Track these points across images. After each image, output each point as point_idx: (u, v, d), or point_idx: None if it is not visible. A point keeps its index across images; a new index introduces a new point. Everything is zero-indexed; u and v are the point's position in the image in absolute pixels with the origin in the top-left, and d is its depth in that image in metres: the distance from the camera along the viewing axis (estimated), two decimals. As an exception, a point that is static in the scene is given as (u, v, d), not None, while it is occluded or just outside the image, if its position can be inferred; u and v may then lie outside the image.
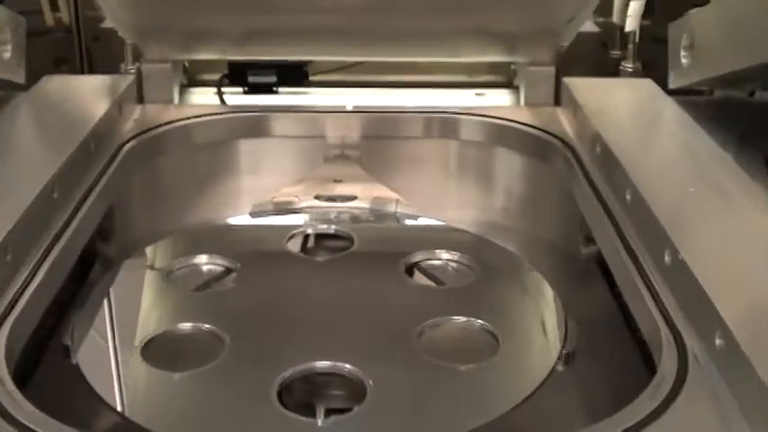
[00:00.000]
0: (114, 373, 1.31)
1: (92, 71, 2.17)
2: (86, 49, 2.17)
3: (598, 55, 2.20)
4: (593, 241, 1.59)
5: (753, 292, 1.09)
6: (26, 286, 1.23)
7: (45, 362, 1.33)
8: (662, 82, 1.91)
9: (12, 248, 1.23)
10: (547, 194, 1.81)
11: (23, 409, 1.01)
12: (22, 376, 1.18)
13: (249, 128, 1.91)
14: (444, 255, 1.60)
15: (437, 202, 1.87)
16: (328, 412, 1.23)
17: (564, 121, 1.84)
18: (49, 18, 2.16)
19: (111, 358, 1.34)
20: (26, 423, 0.98)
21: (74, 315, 1.41)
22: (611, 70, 2.09)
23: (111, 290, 1.52)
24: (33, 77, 1.86)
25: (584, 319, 1.41)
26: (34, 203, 1.32)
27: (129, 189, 1.76)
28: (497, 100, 2.08)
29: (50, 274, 1.29)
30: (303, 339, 1.34)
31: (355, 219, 1.73)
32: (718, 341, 1.03)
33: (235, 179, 1.91)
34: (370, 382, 1.22)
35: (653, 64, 2.02)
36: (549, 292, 1.49)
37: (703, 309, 1.08)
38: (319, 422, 1.19)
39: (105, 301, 1.48)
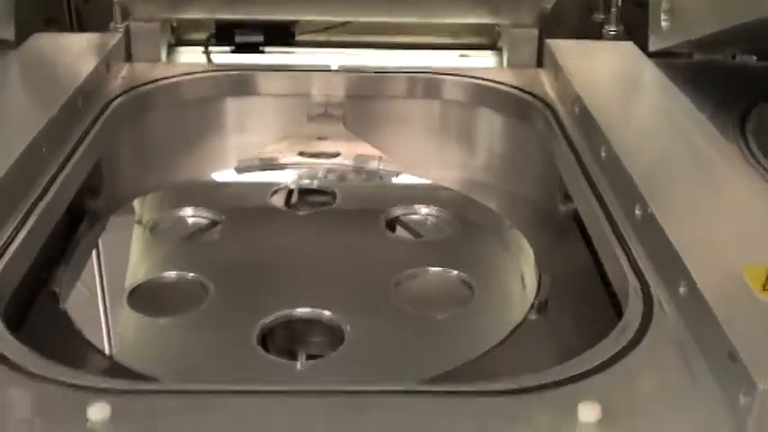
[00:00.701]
0: (102, 318, 1.35)
1: (81, 30, 2.18)
2: (76, 8, 2.18)
3: (582, 18, 2.21)
4: (571, 199, 1.62)
5: (717, 243, 1.13)
6: (15, 235, 1.26)
7: (35, 309, 1.36)
8: (644, 45, 1.94)
9: (1, 199, 1.26)
10: (528, 154, 1.84)
11: (13, 349, 1.03)
12: (15, 323, 1.21)
13: (235, 86, 1.93)
14: (424, 209, 1.64)
15: (420, 160, 1.90)
16: (309, 358, 1.28)
17: (545, 83, 1.87)
18: (38, -23, 2.17)
19: (98, 304, 1.39)
20: (17, 362, 1.00)
21: (62, 264, 1.44)
22: (595, 33, 2.11)
23: (98, 241, 1.55)
24: (24, 37, 1.88)
25: (560, 273, 1.45)
26: (23, 156, 1.35)
27: (116, 145, 1.78)
28: (481, 61, 2.10)
29: (38, 224, 1.32)
30: (284, 288, 1.38)
31: (338, 175, 1.76)
32: (681, 289, 1.07)
33: (221, 136, 1.94)
34: (348, 327, 1.26)
35: (636, 27, 2.04)
36: (524, 246, 1.53)
37: (669, 259, 1.12)
38: (298, 365, 1.24)
39: (93, 252, 1.52)
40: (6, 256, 1.21)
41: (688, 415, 0.93)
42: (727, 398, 0.93)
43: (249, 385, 0.97)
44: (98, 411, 0.90)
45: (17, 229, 1.27)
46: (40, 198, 1.36)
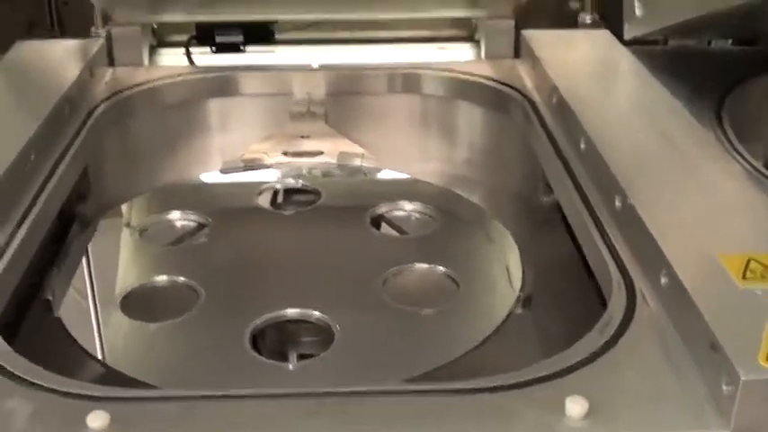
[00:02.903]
0: (95, 324, 1.37)
1: (63, 35, 2.19)
2: (57, 12, 2.19)
3: (558, 7, 2.23)
4: (551, 191, 1.65)
5: (696, 233, 1.15)
6: (7, 245, 1.27)
7: (29, 318, 1.37)
8: (620, 32, 1.96)
9: (-8, 210, 1.28)
10: (508, 146, 1.86)
11: (10, 359, 1.05)
12: (9, 332, 1.22)
13: (217, 87, 1.94)
14: (408, 206, 1.66)
15: (402, 155, 1.92)
16: (300, 358, 1.30)
17: (523, 74, 1.88)
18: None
19: (91, 311, 1.41)
20: (15, 372, 1.02)
21: (54, 272, 1.46)
22: (572, 22, 2.13)
23: (88, 247, 1.57)
24: (6, 42, 1.90)
25: (543, 266, 1.48)
26: (13, 166, 1.36)
27: (102, 150, 1.79)
28: (459, 54, 2.12)
29: (31, 232, 1.33)
30: (274, 289, 1.40)
31: (322, 173, 1.78)
32: (663, 280, 1.09)
33: (205, 138, 1.95)
34: (338, 326, 1.29)
35: (611, 15, 2.06)
36: (508, 240, 1.55)
37: (650, 250, 1.14)
38: (290, 366, 1.26)
39: (84, 258, 1.54)
40: (0, 266, 1.23)
41: (673, 406, 0.95)
42: (711, 388, 0.95)
43: (242, 388, 0.99)
44: (97, 419, 0.92)
45: (10, 238, 1.28)
46: (30, 206, 1.38)
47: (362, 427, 0.94)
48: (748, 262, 1.07)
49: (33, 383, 1.00)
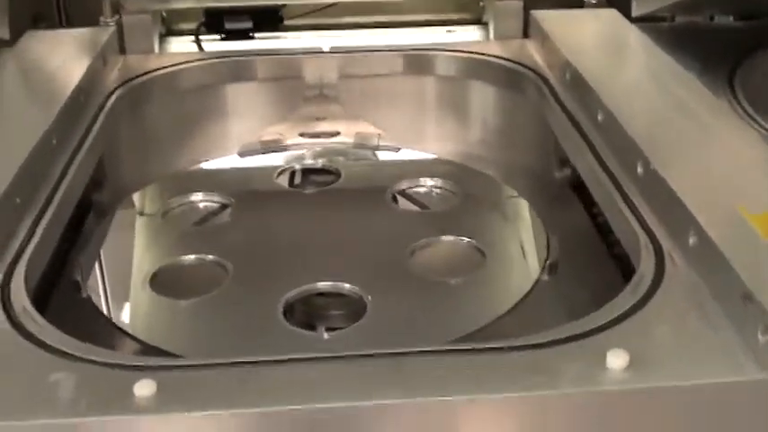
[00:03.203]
0: (125, 303, 1.38)
1: (70, 25, 2.20)
2: (63, 3, 2.20)
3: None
4: (567, 165, 1.66)
5: (719, 193, 1.17)
6: (35, 227, 1.28)
7: (59, 299, 1.38)
8: (625, 12, 1.98)
9: (20, 192, 1.28)
10: (522, 123, 1.87)
11: (50, 334, 1.05)
12: (42, 312, 1.23)
13: (230, 72, 1.95)
14: (428, 182, 1.68)
15: (416, 136, 1.94)
16: (332, 330, 1.32)
17: (533, 53, 1.90)
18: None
19: (120, 290, 1.41)
20: (56, 347, 1.02)
21: (80, 254, 1.47)
22: (578, 3, 2.15)
23: (112, 230, 1.58)
24: (14, 34, 1.90)
25: (564, 236, 1.49)
26: (36, 150, 1.37)
27: (120, 137, 1.80)
28: (468, 36, 2.14)
29: (56, 216, 1.34)
30: (303, 264, 1.41)
31: (340, 153, 1.79)
32: (691, 239, 1.11)
33: (219, 122, 1.96)
34: (369, 298, 1.30)
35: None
36: (529, 212, 1.57)
37: (676, 211, 1.15)
38: (325, 335, 1.27)
39: (108, 240, 1.55)
40: (30, 248, 1.23)
41: (710, 356, 0.96)
42: (746, 338, 0.96)
43: (289, 354, 0.99)
44: (144, 387, 0.92)
45: (36, 222, 1.29)
46: (54, 190, 1.38)
47: (409, 385, 0.94)
48: (774, 218, 1.09)
49: (74, 356, 1.00)
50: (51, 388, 0.95)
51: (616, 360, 0.94)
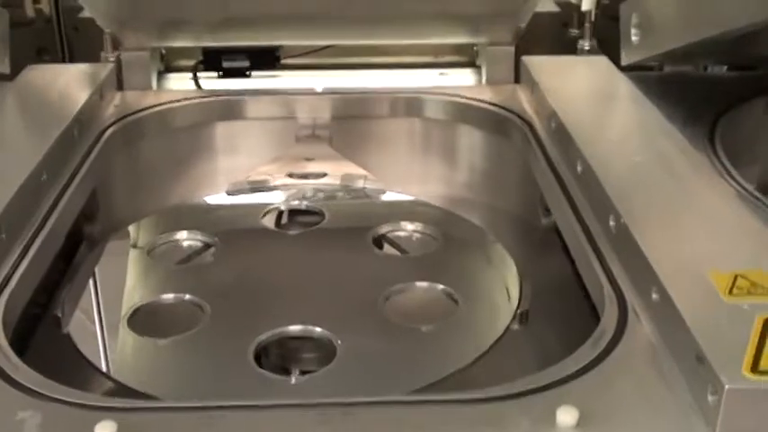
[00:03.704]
0: (102, 340, 1.41)
1: (72, 60, 2.24)
2: (66, 38, 2.24)
3: (558, 34, 2.26)
4: (550, 212, 1.68)
5: (687, 252, 1.18)
6: (19, 262, 1.31)
7: (38, 334, 1.41)
8: (618, 59, 2.00)
9: (5, 227, 1.31)
10: (508, 169, 1.89)
11: (20, 372, 1.08)
12: (20, 347, 1.24)
13: (224, 111, 1.99)
14: (409, 226, 1.70)
15: (404, 177, 1.96)
16: (303, 373, 1.33)
17: (523, 99, 1.92)
18: (29, 9, 2.23)
19: (98, 328, 1.44)
20: (25, 383, 1.05)
21: (63, 289, 1.50)
22: (571, 49, 2.17)
23: (97, 266, 1.61)
24: (16, 67, 1.94)
25: (541, 284, 1.51)
26: (24, 185, 1.40)
27: (111, 172, 1.83)
28: (461, 79, 2.16)
29: (41, 250, 1.37)
30: (277, 307, 1.43)
31: (326, 195, 1.81)
32: (653, 296, 1.13)
33: (211, 160, 1.99)
34: (339, 342, 1.32)
35: (611, 41, 2.09)
36: (506, 259, 1.58)
37: (641, 267, 1.17)
38: (293, 380, 1.29)
39: (92, 276, 1.57)
40: (12, 283, 1.26)
41: (661, 416, 0.98)
42: (697, 398, 0.98)
43: (246, 400, 1.02)
44: (105, 429, 0.94)
45: (21, 257, 1.32)
46: (41, 225, 1.41)
47: (363, 436, 0.97)
48: (735, 278, 1.10)
49: (42, 395, 1.03)
50: (17, 426, 0.98)
51: (566, 417, 0.96)
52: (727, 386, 0.92)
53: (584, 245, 1.35)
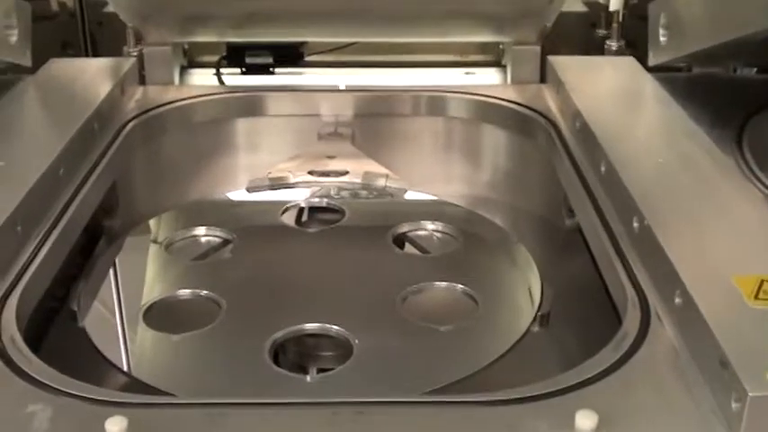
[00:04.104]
0: (118, 335, 1.40)
1: (95, 55, 2.24)
2: (90, 33, 2.24)
3: (586, 34, 2.25)
4: (574, 213, 1.66)
5: (711, 255, 1.16)
6: (34, 256, 1.30)
7: (55, 327, 1.41)
8: (646, 59, 1.98)
9: (21, 220, 1.30)
10: (532, 169, 1.88)
11: (33, 366, 1.07)
12: (35, 341, 1.25)
13: (247, 107, 1.98)
14: (430, 225, 1.69)
15: (426, 176, 1.94)
16: (319, 371, 1.32)
17: (548, 98, 1.90)
18: (54, 3, 2.23)
19: (115, 322, 1.43)
20: (37, 377, 1.04)
21: (80, 283, 1.49)
22: (600, 49, 2.15)
23: (115, 260, 1.61)
24: (40, 61, 1.94)
25: (563, 286, 1.49)
26: (41, 179, 1.39)
27: (131, 166, 1.83)
28: (486, 79, 2.14)
29: (57, 244, 1.36)
30: (295, 304, 1.42)
31: (347, 193, 1.81)
32: (677, 299, 1.11)
33: (232, 156, 1.98)
34: (356, 341, 1.31)
35: (639, 41, 2.07)
36: (528, 260, 1.57)
37: (665, 270, 1.15)
38: (308, 378, 1.28)
39: (110, 271, 1.57)
40: (26, 277, 1.26)
41: (682, 422, 0.96)
42: (720, 404, 0.96)
43: (261, 398, 1.01)
44: (115, 424, 0.93)
45: (36, 251, 1.31)
46: (57, 220, 1.41)
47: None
48: (761, 283, 1.08)
49: (54, 388, 1.02)
50: (27, 418, 0.97)
51: (585, 421, 0.94)
52: (750, 394, 0.90)
53: (607, 247, 1.34)
